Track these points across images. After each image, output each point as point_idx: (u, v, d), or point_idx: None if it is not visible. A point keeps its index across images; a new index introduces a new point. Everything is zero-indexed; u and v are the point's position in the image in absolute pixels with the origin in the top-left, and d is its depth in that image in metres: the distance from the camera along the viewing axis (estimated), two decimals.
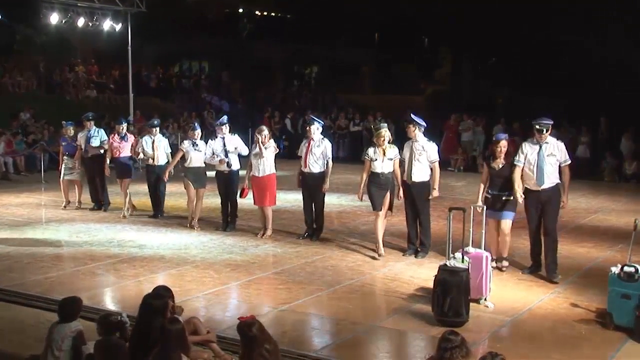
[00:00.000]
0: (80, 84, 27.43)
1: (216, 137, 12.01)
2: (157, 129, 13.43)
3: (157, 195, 13.25)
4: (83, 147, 14.02)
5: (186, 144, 12.26)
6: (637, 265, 7.46)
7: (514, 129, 21.12)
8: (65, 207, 14.15)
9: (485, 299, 8.10)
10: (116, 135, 13.66)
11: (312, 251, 10.63)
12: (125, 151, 13.57)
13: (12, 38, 29.11)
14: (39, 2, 20.47)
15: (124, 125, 13.85)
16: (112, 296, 8.61)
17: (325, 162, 11.19)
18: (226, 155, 11.71)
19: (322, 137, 11.37)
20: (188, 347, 5.60)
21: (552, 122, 9.21)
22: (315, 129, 11.27)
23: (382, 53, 33.93)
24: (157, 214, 13.24)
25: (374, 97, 28.36)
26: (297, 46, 34.41)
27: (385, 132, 10.32)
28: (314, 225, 11.47)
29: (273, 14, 45.77)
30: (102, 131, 14.35)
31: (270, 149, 11.38)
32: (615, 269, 7.53)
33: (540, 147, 9.13)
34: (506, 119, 22.47)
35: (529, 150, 9.22)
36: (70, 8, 20.84)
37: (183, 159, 12.59)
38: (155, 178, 13.12)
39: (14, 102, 23.60)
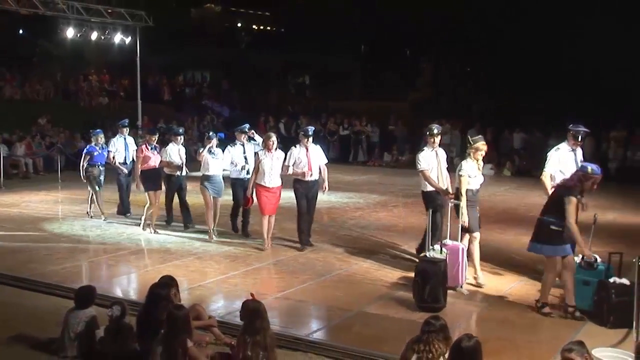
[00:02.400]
0: (93, 92, 27.45)
1: (235, 144, 11.02)
2: (182, 137, 11.67)
3: (186, 206, 11.68)
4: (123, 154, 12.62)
5: (204, 152, 10.82)
6: (596, 255, 7.54)
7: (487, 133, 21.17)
8: (105, 219, 12.30)
9: (461, 287, 8.14)
10: (146, 145, 11.58)
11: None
12: (156, 162, 11.47)
13: (32, 51, 29.08)
14: (57, 18, 20.42)
15: (155, 136, 11.87)
16: (123, 285, 8.60)
17: (318, 166, 10.28)
18: (246, 162, 10.85)
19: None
20: (191, 331, 5.62)
21: (589, 130, 8.74)
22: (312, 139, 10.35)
23: (369, 62, 33.97)
24: (189, 224, 11.61)
25: (361, 103, 28.33)
26: (290, 56, 34.45)
27: (484, 146, 8.56)
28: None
29: (269, 27, 45.88)
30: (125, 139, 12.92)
31: (281, 159, 10.19)
32: (577, 259, 7.59)
33: (575, 153, 8.54)
34: (481, 123, 22.55)
35: (562, 157, 8.46)
36: (85, 23, 20.79)
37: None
38: (178, 188, 11.56)
39: (33, 108, 23.59)
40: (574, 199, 7.13)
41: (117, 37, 21.70)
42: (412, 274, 7.81)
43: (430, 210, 8.24)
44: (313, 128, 10.81)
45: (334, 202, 14.68)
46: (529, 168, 19.18)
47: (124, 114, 24.43)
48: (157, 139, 11.85)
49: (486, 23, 25.17)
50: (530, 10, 23.98)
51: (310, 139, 10.24)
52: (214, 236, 10.75)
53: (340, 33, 31.74)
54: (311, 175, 10.07)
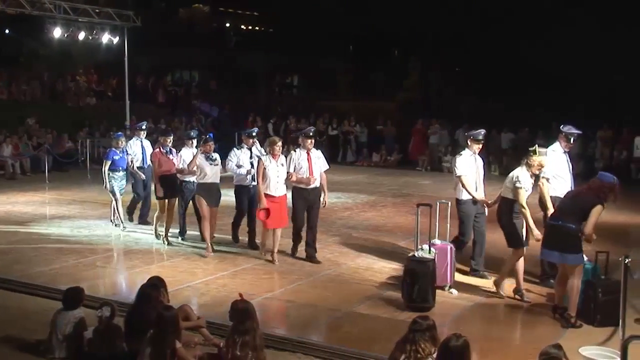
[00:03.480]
0: (81, 92, 27.31)
1: (242, 147, 10.12)
2: (195, 140, 10.51)
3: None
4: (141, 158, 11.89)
5: (200, 158, 9.84)
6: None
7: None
8: (124, 229, 11.46)
9: (449, 286, 8.16)
10: (160, 148, 10.68)
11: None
12: (170, 167, 10.51)
13: (19, 50, 28.89)
14: (44, 18, 20.29)
15: (170, 137, 10.92)
16: (111, 286, 8.55)
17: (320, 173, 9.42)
18: (252, 167, 9.85)
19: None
20: (180, 332, 5.61)
21: (581, 132, 8.74)
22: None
23: (357, 63, 34.06)
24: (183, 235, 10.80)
25: (349, 103, 28.40)
26: (279, 57, 34.48)
27: (545, 162, 7.91)
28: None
29: (257, 28, 45.83)
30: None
31: (286, 165, 9.31)
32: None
33: (568, 155, 8.51)
34: (469, 123, 22.62)
35: (557, 159, 8.33)
36: (72, 23, 20.66)
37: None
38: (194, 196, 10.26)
39: (20, 109, 23.45)
40: (601, 208, 6.89)
41: (105, 37, 21.59)
42: (401, 274, 7.83)
43: (418, 209, 8.23)
44: (313, 128, 10.09)
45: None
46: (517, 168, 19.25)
47: (112, 115, 24.47)
48: (171, 141, 10.82)
49: (474, 23, 25.28)
50: (517, 10, 24.10)
51: (313, 141, 9.41)
52: (211, 251, 9.80)
53: (328, 33, 31.80)
54: (314, 182, 9.27)
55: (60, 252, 9.93)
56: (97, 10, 21.06)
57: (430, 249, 7.85)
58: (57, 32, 20.60)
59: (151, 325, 5.46)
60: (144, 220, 11.96)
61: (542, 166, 7.76)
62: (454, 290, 8.13)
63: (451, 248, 8.22)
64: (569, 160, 8.54)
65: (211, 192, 9.78)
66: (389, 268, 9.16)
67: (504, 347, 6.55)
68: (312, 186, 9.28)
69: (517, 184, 7.62)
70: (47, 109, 24.01)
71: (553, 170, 8.23)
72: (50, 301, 7.44)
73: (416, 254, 7.77)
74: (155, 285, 6.19)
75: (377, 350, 5.98)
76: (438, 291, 7.74)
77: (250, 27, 46.50)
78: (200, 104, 29.50)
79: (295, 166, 9.26)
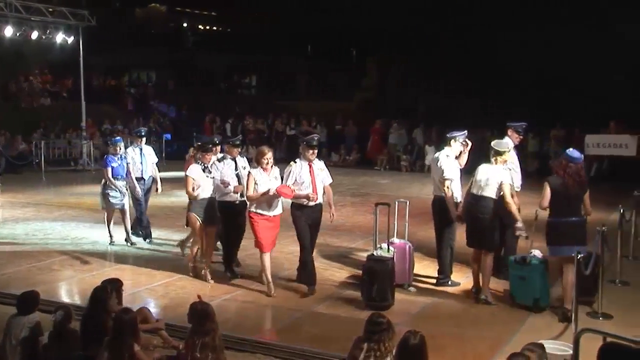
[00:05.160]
0: (34, 93, 26.77)
1: (224, 159, 8.82)
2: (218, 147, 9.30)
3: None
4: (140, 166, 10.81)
5: (195, 169, 8.60)
6: (537, 252, 7.75)
7: (432, 132, 21.50)
8: (112, 242, 10.55)
9: (408, 285, 8.24)
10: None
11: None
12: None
13: None
14: None
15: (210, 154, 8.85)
16: (68, 290, 8.42)
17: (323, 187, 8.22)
18: (239, 182, 8.60)
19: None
20: (139, 335, 5.54)
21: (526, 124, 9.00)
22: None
23: (316, 62, 34.14)
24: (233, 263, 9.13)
25: (308, 103, 28.43)
26: (237, 56, 34.35)
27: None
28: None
29: (215, 27, 45.58)
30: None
31: (279, 179, 8.07)
32: (512, 257, 7.79)
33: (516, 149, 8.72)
34: (426, 123, 22.86)
35: (513, 154, 8.48)
36: (24, 22, 20.23)
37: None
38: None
39: None
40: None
41: (59, 37, 21.20)
42: (360, 273, 7.87)
43: (377, 208, 8.25)
44: (317, 136, 8.58)
45: (284, 202, 14.63)
46: (475, 165, 19.53)
47: (67, 116, 24.04)
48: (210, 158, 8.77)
49: (431, 23, 25.54)
50: (474, 11, 24.43)
51: (316, 151, 8.18)
52: (208, 278, 8.53)
53: (286, 33, 31.80)
54: (316, 199, 8.01)
55: (14, 256, 9.73)
56: (50, 9, 20.67)
57: (389, 248, 7.91)
58: (9, 31, 20.14)
59: (107, 329, 5.39)
60: (136, 232, 10.89)
61: (506, 160, 7.96)
62: (412, 288, 8.21)
63: (410, 247, 8.30)
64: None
65: (207, 208, 8.59)
66: (348, 267, 9.20)
67: (462, 343, 6.64)
68: (313, 203, 8.02)
69: (504, 181, 7.69)
70: None
71: (510, 164, 8.41)
72: (3, 307, 7.28)
73: (375, 253, 7.82)
74: (105, 288, 6.10)
75: (337, 349, 6.00)
76: (397, 289, 7.81)
77: (207, 27, 46.23)
78: (157, 104, 29.22)
79: (295, 179, 7.94)
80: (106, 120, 24.94)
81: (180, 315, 6.66)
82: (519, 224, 7.65)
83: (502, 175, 7.76)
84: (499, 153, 7.81)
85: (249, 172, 8.07)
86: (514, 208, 7.67)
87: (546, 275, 7.61)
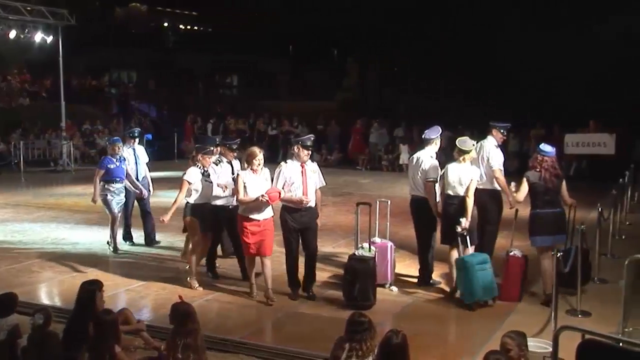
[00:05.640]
0: (13, 93, 26.50)
1: (220, 162, 8.55)
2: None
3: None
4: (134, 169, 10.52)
5: (193, 173, 8.30)
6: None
7: (413, 131, 21.56)
8: (116, 250, 10.06)
9: (390, 284, 8.26)
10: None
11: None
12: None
13: None
14: None
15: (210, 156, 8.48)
16: (48, 291, 8.34)
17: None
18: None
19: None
20: (120, 336, 5.52)
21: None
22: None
23: (297, 62, 34.16)
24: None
25: (289, 103, 28.45)
26: (218, 56, 34.27)
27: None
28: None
29: (196, 27, 45.40)
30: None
31: (269, 181, 7.76)
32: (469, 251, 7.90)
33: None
34: (406, 122, 22.93)
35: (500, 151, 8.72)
36: (2, 21, 20.01)
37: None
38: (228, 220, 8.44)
39: None
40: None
41: (38, 36, 20.99)
42: (342, 273, 7.88)
43: (358, 207, 8.27)
44: (313, 137, 8.14)
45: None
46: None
47: (46, 116, 23.81)
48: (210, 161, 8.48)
49: (411, 24, 25.65)
50: (454, 12, 24.58)
51: (310, 152, 7.87)
52: (197, 286, 8.21)
53: (268, 33, 31.77)
54: (307, 203, 7.69)
55: None
56: (28, 8, 20.44)
57: (370, 248, 7.92)
58: None
59: (89, 331, 5.36)
60: (128, 238, 10.62)
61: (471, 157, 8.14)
62: (394, 288, 8.23)
63: (391, 246, 8.32)
64: None
65: (207, 214, 8.24)
66: (330, 267, 9.20)
67: (444, 341, 6.68)
68: (305, 206, 7.69)
69: (473, 177, 7.95)
70: None
71: (501, 162, 8.57)
72: None
73: (356, 253, 7.82)
74: (93, 292, 6.05)
75: (320, 349, 5.99)
76: (379, 289, 7.83)
77: (188, 27, 46.05)
78: (138, 104, 29.07)
79: (286, 181, 7.65)
80: (86, 120, 24.76)
81: (161, 316, 6.65)
82: (465, 222, 7.79)
83: (472, 173, 8.00)
84: (465, 151, 7.98)
85: (238, 174, 7.78)
86: (470, 206, 7.86)
87: (472, 272, 7.54)
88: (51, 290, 8.39)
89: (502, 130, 8.83)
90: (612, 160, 14.99)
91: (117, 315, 5.78)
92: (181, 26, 46.02)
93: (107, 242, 10.17)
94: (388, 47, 26.97)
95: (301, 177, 7.67)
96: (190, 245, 8.49)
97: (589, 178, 17.87)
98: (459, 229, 7.77)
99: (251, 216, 7.59)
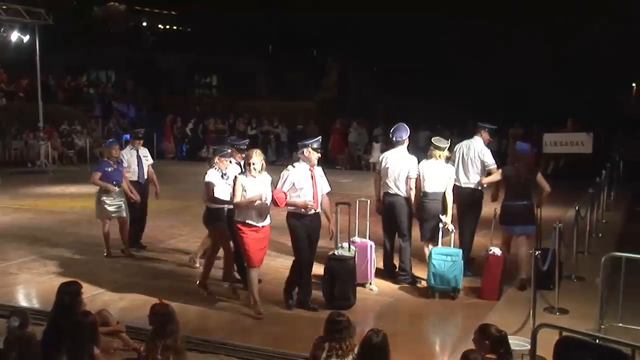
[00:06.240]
0: None
1: (230, 163, 8.20)
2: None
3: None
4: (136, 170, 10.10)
5: (215, 175, 7.93)
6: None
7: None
8: (108, 254, 9.68)
9: (370, 283, 8.28)
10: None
11: None
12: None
13: None
14: None
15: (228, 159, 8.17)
16: (25, 293, 8.25)
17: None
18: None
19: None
20: (99, 338, 5.47)
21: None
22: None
23: (276, 62, 34.12)
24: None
25: (269, 102, 28.41)
26: (197, 56, 34.14)
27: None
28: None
29: (175, 27, 45.15)
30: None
31: (269, 186, 7.30)
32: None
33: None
34: (386, 122, 23.00)
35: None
36: None
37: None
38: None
39: None
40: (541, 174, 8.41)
41: (14, 35, 20.77)
42: (322, 272, 7.88)
43: (338, 207, 8.28)
44: (320, 138, 7.88)
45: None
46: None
47: (23, 116, 23.55)
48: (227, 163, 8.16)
49: (391, 23, 25.75)
50: (432, 11, 24.71)
51: (319, 155, 7.57)
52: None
53: (247, 33, 31.71)
54: (314, 208, 7.39)
55: None
56: (4, 7, 20.20)
57: (350, 247, 7.93)
58: None
59: (68, 333, 5.30)
60: (138, 244, 10.21)
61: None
62: (374, 287, 8.25)
63: (371, 245, 8.34)
64: None
65: (228, 219, 7.85)
66: None
67: (424, 339, 6.71)
68: (311, 212, 7.41)
69: (451, 176, 8.48)
70: None
71: (494, 161, 8.88)
72: None
73: (336, 252, 7.82)
74: (74, 293, 5.97)
75: (300, 349, 5.99)
76: (359, 288, 7.84)
77: (167, 27, 45.77)
78: (117, 104, 28.86)
79: (293, 185, 7.33)
80: (64, 121, 24.52)
81: (140, 317, 6.60)
82: (446, 218, 8.22)
83: (449, 170, 8.46)
84: (440, 148, 8.41)
85: (236, 177, 7.30)
86: (450, 202, 8.36)
87: (429, 260, 7.93)
88: (29, 292, 8.31)
89: (489, 131, 9.06)
90: (589, 159, 15.17)
91: (96, 316, 5.73)
92: (160, 26, 45.72)
93: (122, 251, 9.73)
94: (368, 46, 27.04)
95: (310, 181, 7.38)
96: (224, 254, 8.10)
97: (567, 177, 18.04)
98: (442, 225, 8.08)
99: (251, 222, 7.14)
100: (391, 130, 8.72)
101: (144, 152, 10.29)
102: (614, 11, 21.14)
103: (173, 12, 44.13)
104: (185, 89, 33.73)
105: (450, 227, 8.20)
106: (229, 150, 8.17)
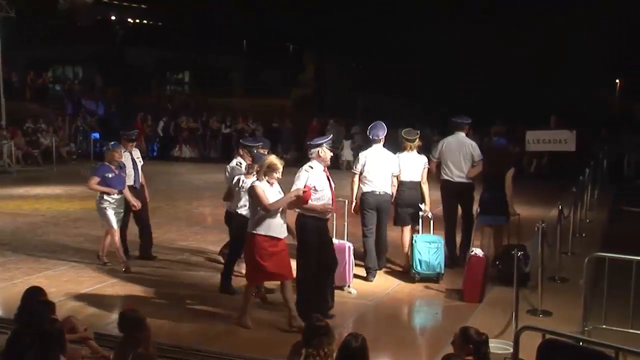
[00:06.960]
0: None
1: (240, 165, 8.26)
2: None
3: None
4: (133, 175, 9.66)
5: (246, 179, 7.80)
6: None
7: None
8: (127, 269, 9.10)
9: (348, 286, 8.29)
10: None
11: (188, 250, 10.49)
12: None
13: None
14: None
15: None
16: None
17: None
18: None
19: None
20: (66, 346, 5.41)
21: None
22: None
23: (251, 58, 34.04)
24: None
25: (243, 100, 28.35)
26: (169, 52, 33.94)
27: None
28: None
29: (145, 21, 44.79)
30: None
31: (282, 194, 6.93)
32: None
33: None
34: (364, 120, 23.06)
35: None
36: None
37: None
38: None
39: None
40: (513, 170, 8.90)
41: None
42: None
43: None
44: (332, 137, 7.81)
45: (218, 204, 14.54)
46: None
47: None
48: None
49: (368, 20, 25.84)
50: (411, 8, 24.83)
51: (332, 154, 7.37)
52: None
53: (221, 28, 31.60)
54: (332, 211, 7.24)
55: None
56: None
57: None
58: None
59: (33, 341, 5.24)
60: (147, 254, 9.85)
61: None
62: (353, 290, 8.26)
63: (349, 247, 8.34)
64: None
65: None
66: None
67: (403, 344, 6.72)
68: (328, 215, 7.23)
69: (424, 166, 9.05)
70: None
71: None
72: None
73: None
74: (41, 301, 5.89)
75: (276, 354, 5.98)
76: (337, 291, 7.84)
77: (137, 21, 45.42)
78: (85, 101, 28.60)
79: (315, 187, 6.98)
80: (28, 119, 24.23)
81: (110, 323, 6.55)
82: (425, 206, 8.86)
83: (422, 160, 9.01)
84: (411, 140, 8.99)
85: (253, 185, 6.81)
86: (427, 190, 8.93)
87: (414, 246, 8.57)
88: None
89: (471, 125, 9.73)
90: (572, 157, 15.33)
91: (62, 323, 5.67)
92: (130, 20, 45.36)
93: (98, 257, 9.48)
94: (345, 43, 27.08)
95: (327, 182, 7.12)
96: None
97: (549, 176, 18.24)
98: (422, 213, 8.77)
99: (274, 234, 6.70)
100: (368, 128, 8.94)
101: (137, 153, 9.91)
102: (598, 9, 21.45)
103: (143, 5, 43.78)
104: (156, 86, 33.53)
105: (430, 214, 8.87)
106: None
